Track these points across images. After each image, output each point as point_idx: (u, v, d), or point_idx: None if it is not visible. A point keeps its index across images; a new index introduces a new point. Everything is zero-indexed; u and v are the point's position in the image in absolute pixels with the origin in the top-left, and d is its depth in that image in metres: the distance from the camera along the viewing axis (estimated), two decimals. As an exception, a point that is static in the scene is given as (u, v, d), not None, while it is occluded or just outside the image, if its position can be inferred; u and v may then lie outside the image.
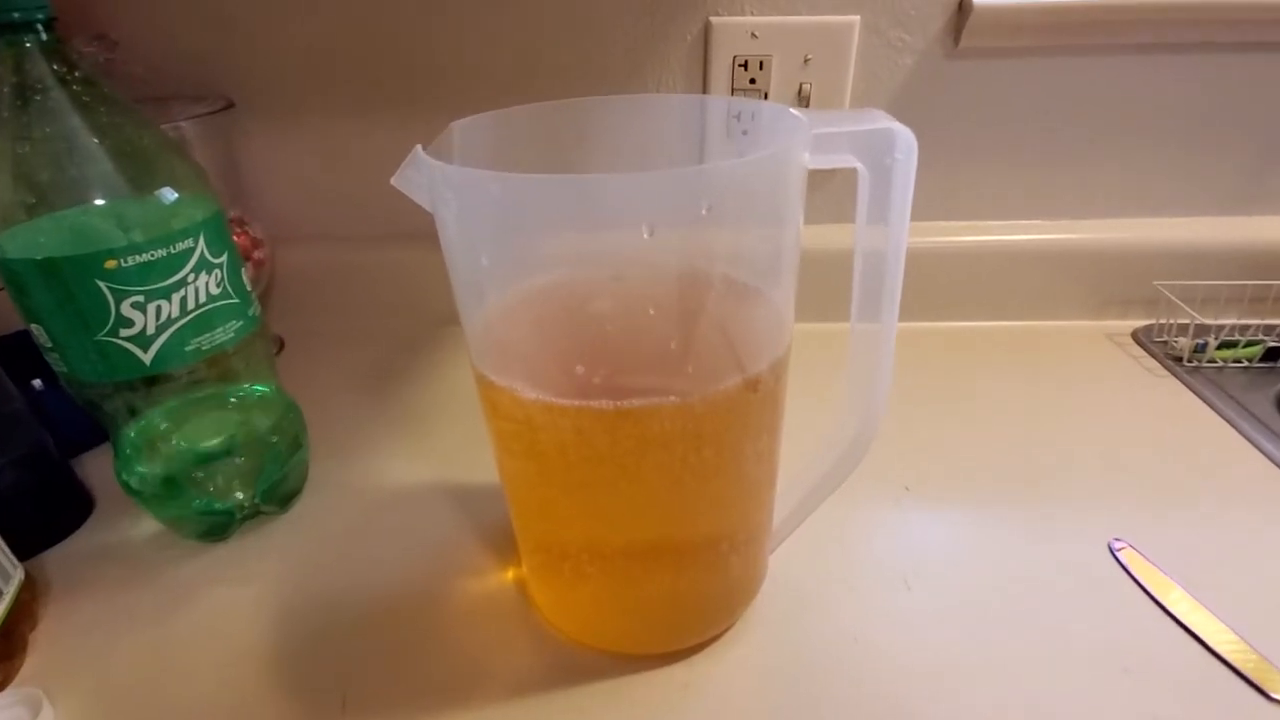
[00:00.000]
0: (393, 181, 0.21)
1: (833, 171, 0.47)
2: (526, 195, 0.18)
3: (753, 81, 0.44)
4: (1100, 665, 0.27)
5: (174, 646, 0.29)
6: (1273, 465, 0.37)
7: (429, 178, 0.20)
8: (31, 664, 0.29)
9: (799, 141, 0.20)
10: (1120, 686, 0.26)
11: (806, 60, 0.43)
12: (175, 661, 0.29)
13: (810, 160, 0.21)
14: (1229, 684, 0.26)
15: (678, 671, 0.27)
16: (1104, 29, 0.43)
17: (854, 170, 0.21)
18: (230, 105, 0.44)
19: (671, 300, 0.21)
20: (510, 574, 0.32)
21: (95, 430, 0.40)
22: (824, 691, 0.26)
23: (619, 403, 0.20)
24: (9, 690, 0.27)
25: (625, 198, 0.17)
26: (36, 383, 0.39)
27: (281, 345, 0.51)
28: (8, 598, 0.29)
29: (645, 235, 0.18)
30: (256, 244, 0.46)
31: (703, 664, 0.28)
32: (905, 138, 0.21)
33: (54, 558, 0.34)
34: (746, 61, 0.43)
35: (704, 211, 0.18)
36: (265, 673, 0.28)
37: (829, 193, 0.48)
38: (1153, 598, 0.29)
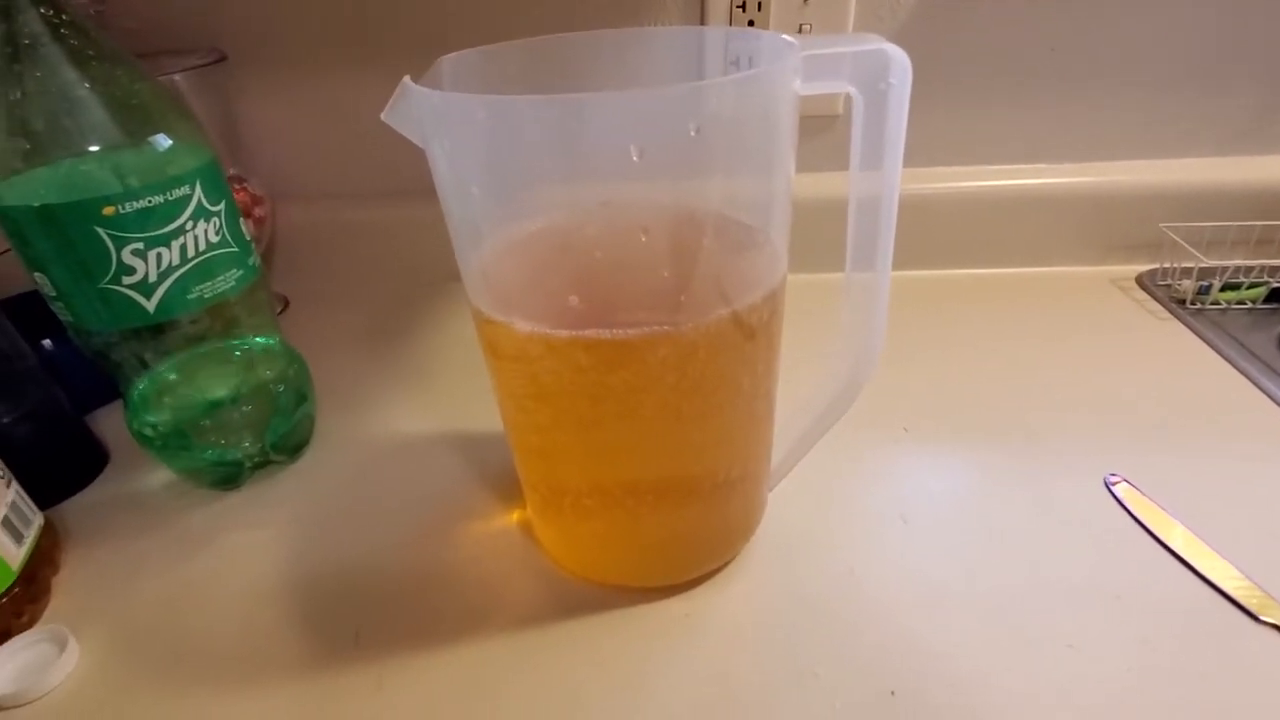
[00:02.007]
0: (383, 117, 0.21)
1: (833, 117, 0.47)
2: (513, 118, 0.18)
3: (751, 23, 0.43)
4: (1092, 592, 0.27)
5: (191, 587, 0.30)
6: (1273, 404, 0.37)
7: (418, 109, 0.20)
8: (55, 605, 0.30)
9: (789, 64, 0.20)
10: (1111, 612, 0.27)
11: None
12: (193, 601, 0.30)
13: (803, 86, 0.21)
14: (1218, 608, 0.26)
15: (678, 603, 0.28)
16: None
17: (853, 121, 0.21)
18: (223, 58, 0.44)
19: (663, 228, 0.21)
20: (515, 516, 0.33)
21: (107, 387, 0.40)
22: (820, 620, 0.27)
23: (613, 332, 0.21)
24: (36, 628, 0.28)
25: (613, 117, 0.17)
26: (47, 343, 0.39)
27: (286, 304, 0.52)
28: (29, 542, 0.30)
29: (634, 157, 0.18)
30: (257, 200, 0.46)
31: (703, 595, 0.28)
32: (899, 60, 0.20)
33: (72, 508, 0.35)
34: (745, 2, 0.42)
35: (693, 132, 0.18)
36: (280, 611, 0.29)
37: (828, 141, 0.48)
38: (1146, 528, 0.30)
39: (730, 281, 0.22)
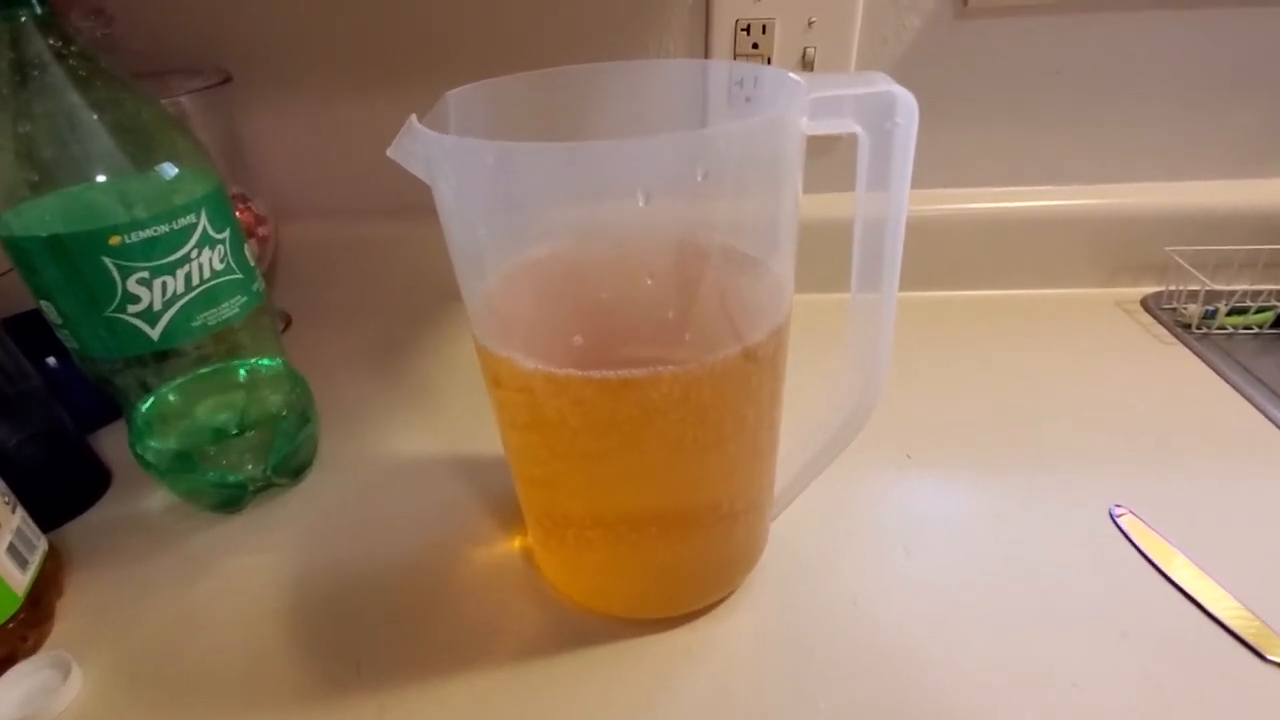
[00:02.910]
0: (389, 153, 0.21)
1: (835, 139, 0.47)
2: (521, 164, 0.18)
3: (755, 46, 0.43)
4: (1098, 628, 0.27)
5: (194, 612, 0.30)
6: (1278, 431, 0.36)
7: (425, 148, 0.20)
8: (59, 630, 0.30)
9: (796, 106, 0.20)
10: (1118, 648, 0.26)
11: (810, 23, 0.42)
12: (195, 627, 0.30)
13: (809, 125, 0.21)
14: (1225, 646, 0.26)
15: (681, 635, 0.28)
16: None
17: (856, 138, 0.21)
18: (228, 79, 0.44)
19: (670, 269, 0.21)
20: (516, 542, 0.33)
21: (109, 407, 0.41)
22: (823, 653, 0.27)
23: (618, 372, 0.21)
24: (40, 654, 0.28)
25: (619, 164, 0.17)
26: (50, 360, 0.39)
27: (288, 322, 0.52)
28: (33, 567, 0.30)
29: (641, 202, 0.18)
30: (260, 220, 0.46)
31: (705, 627, 0.28)
32: (905, 101, 0.21)
33: (75, 530, 0.35)
34: (749, 25, 0.42)
35: (699, 178, 0.18)
36: (282, 637, 0.29)
37: (831, 161, 0.48)
38: (1152, 563, 0.29)
39: (736, 318, 0.22)
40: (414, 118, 0.20)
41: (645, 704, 0.26)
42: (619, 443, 0.23)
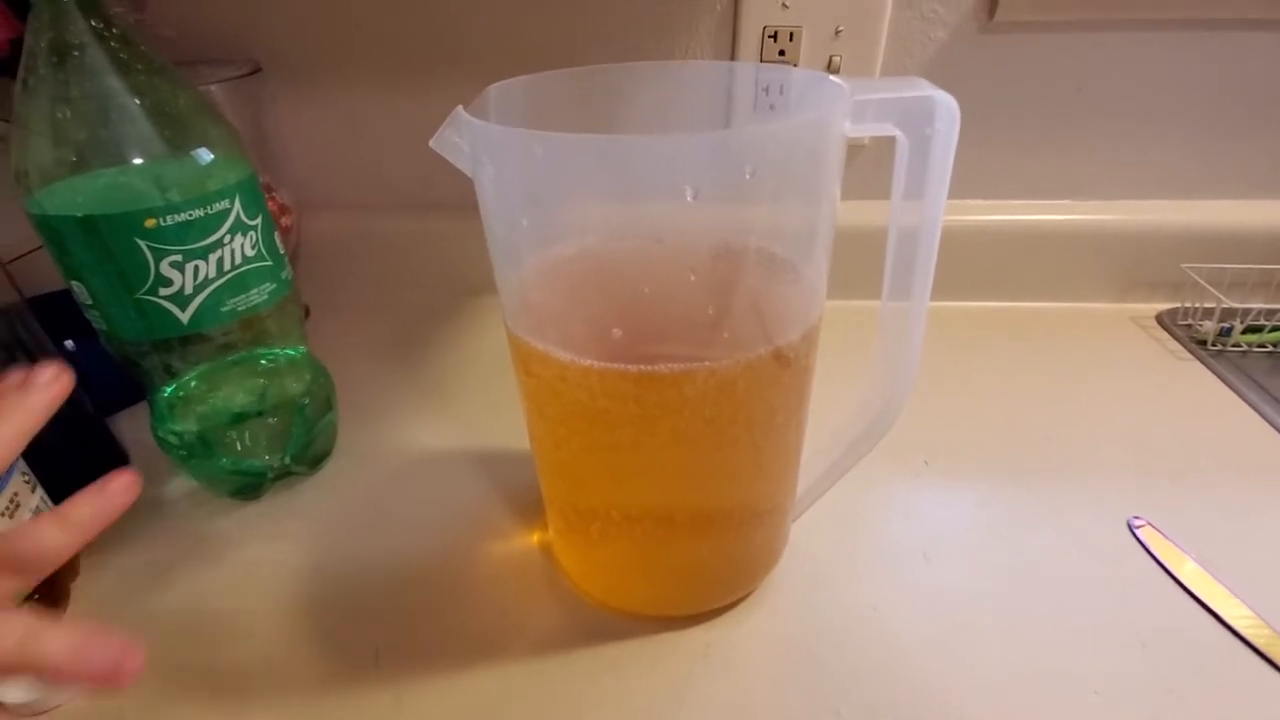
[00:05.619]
0: (431, 144, 0.21)
1: (860, 146, 0.47)
2: (571, 156, 0.18)
3: (782, 53, 0.43)
4: (1117, 639, 0.27)
5: (209, 598, 0.30)
6: (1295, 449, 0.37)
7: (470, 139, 0.20)
8: (72, 612, 0.30)
9: (841, 108, 0.20)
10: (1137, 660, 0.26)
11: (838, 32, 0.42)
12: (210, 613, 0.30)
13: (850, 128, 0.21)
14: (1244, 659, 0.26)
15: (700, 633, 0.28)
16: (1141, 2, 0.42)
17: (882, 147, 0.21)
18: (257, 70, 0.44)
19: (710, 265, 0.21)
20: (536, 538, 0.33)
21: (128, 390, 0.41)
22: (841, 656, 0.27)
23: (654, 367, 0.21)
24: (54, 635, 0.28)
25: (671, 160, 0.18)
26: (68, 344, 0.39)
27: (307, 313, 0.52)
28: (51, 547, 0.30)
29: (689, 198, 0.18)
30: (284, 210, 0.46)
31: (724, 627, 0.28)
32: (947, 106, 0.21)
33: (91, 512, 0.35)
34: (776, 32, 0.43)
35: (748, 175, 0.18)
36: (298, 626, 0.29)
37: (857, 168, 0.48)
38: (1171, 575, 0.29)
39: (772, 318, 0.22)
40: (460, 109, 0.20)
41: (663, 701, 0.26)
42: (649, 436, 0.23)
